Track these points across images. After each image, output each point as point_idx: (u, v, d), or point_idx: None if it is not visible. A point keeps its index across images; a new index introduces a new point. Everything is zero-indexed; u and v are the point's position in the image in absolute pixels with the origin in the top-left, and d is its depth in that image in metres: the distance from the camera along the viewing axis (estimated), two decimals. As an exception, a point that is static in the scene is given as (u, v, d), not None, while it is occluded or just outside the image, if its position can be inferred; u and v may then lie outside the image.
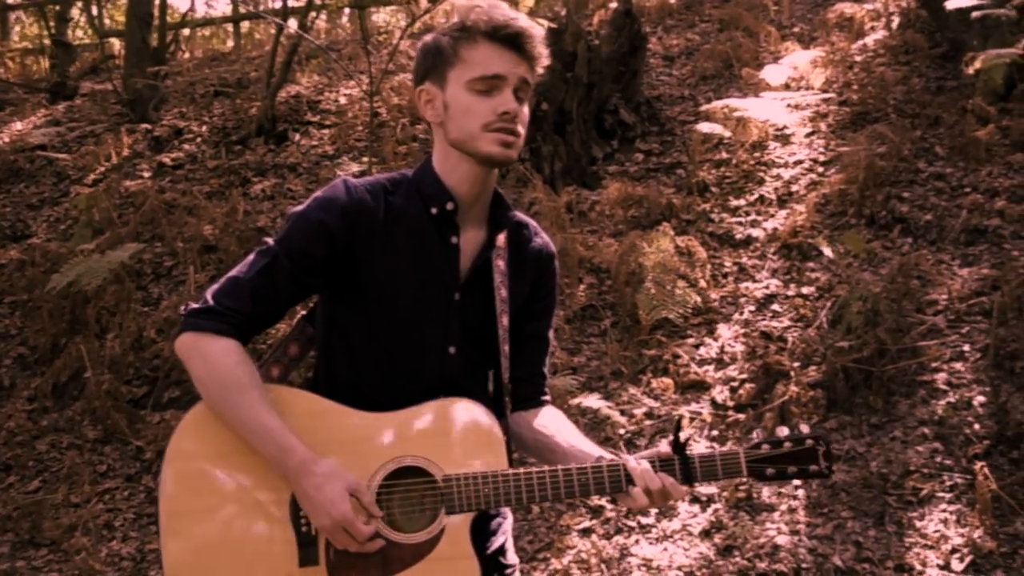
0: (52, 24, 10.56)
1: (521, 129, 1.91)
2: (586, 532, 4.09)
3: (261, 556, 1.84)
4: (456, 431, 1.90)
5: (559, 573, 3.89)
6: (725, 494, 4.11)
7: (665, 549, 3.94)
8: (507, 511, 2.11)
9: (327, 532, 1.82)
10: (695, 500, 4.13)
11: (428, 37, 1.96)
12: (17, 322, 6.17)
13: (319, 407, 1.91)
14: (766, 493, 4.09)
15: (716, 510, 4.06)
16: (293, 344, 2.06)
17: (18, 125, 8.99)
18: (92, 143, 8.20)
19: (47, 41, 10.73)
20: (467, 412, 1.92)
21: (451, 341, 1.98)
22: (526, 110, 1.93)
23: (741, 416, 4.47)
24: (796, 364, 4.59)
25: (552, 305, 2.15)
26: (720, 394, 4.59)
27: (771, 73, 6.59)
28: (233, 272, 1.91)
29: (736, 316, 5.05)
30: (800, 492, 4.07)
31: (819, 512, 3.97)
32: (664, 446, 1.94)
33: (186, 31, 11.47)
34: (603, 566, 3.90)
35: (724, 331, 4.97)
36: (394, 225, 1.92)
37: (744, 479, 2.02)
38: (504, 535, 2.08)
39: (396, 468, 1.87)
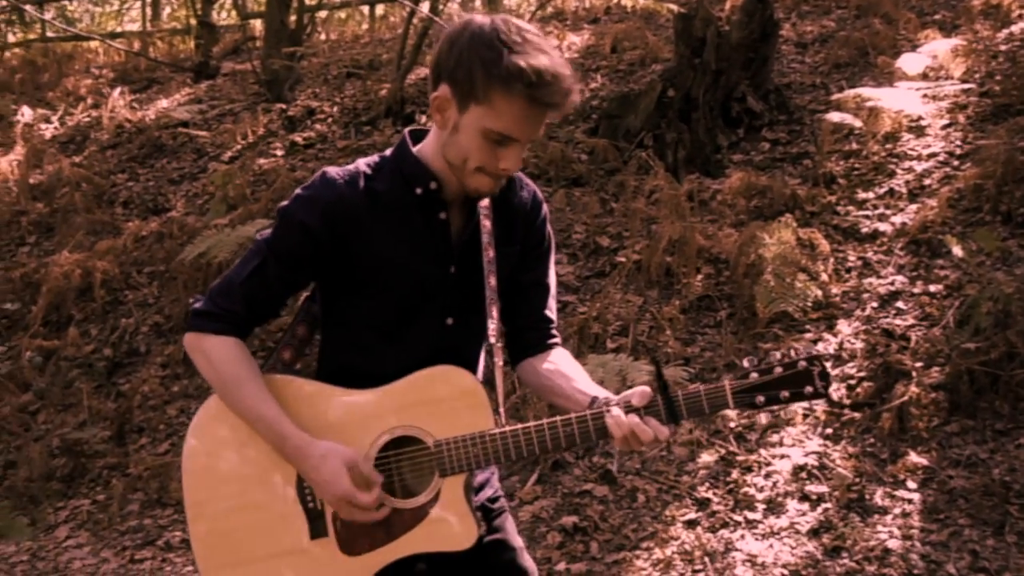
0: (199, 6, 10.99)
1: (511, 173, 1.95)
2: (691, 524, 4.07)
3: (275, 533, 2.00)
4: (442, 397, 1.98)
5: (662, 563, 3.88)
6: (836, 494, 4.02)
7: (771, 546, 3.89)
8: (492, 467, 2.20)
9: (335, 507, 1.95)
10: (804, 498, 4.06)
11: (463, 41, 1.86)
12: (155, 291, 6.49)
13: (310, 390, 2.02)
14: (879, 495, 3.98)
15: (826, 509, 3.98)
16: (301, 325, 2.15)
17: (163, 102, 9.42)
18: (230, 121, 8.53)
19: (193, 22, 11.18)
20: (451, 377, 2.00)
21: (448, 313, 2.04)
22: (525, 150, 1.94)
23: (857, 415, 4.35)
24: (918, 364, 4.44)
25: (547, 251, 2.17)
26: (836, 392, 4.47)
27: (908, 62, 6.35)
28: (230, 270, 2.02)
29: (858, 312, 4.91)
30: (916, 496, 3.95)
31: (935, 518, 3.85)
32: (643, 389, 1.95)
33: (323, 13, 11.75)
34: (707, 559, 3.87)
35: (844, 327, 4.84)
36: (379, 210, 1.96)
37: (731, 410, 1.99)
38: (492, 487, 2.19)
39: (390, 439, 1.98)
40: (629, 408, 1.92)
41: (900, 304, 4.86)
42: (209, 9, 11.10)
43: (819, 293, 4.99)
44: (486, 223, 2.02)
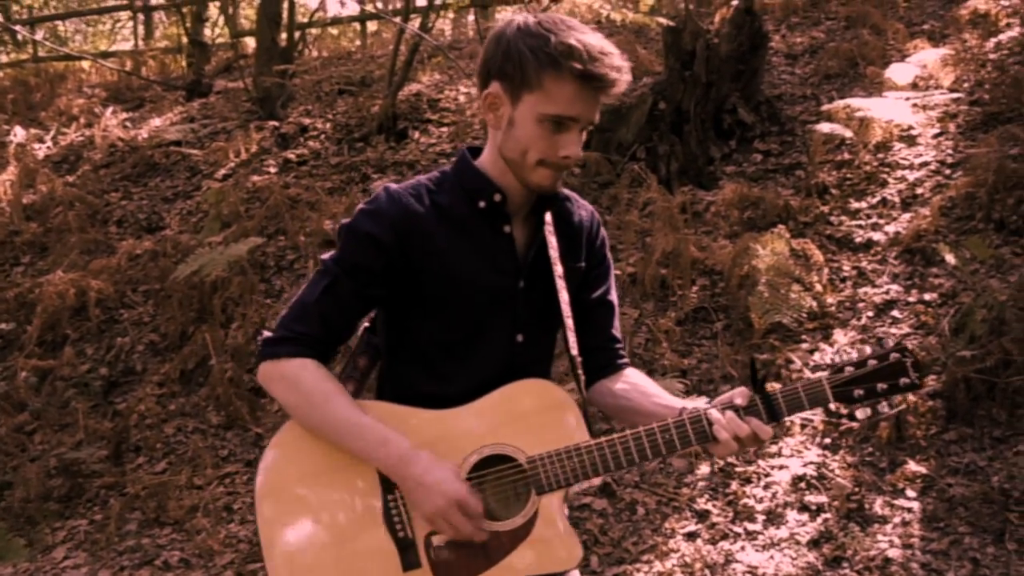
0: (189, 24, 11.01)
1: (572, 164, 1.92)
2: (691, 536, 4.07)
3: (364, 568, 1.87)
4: (530, 411, 1.91)
5: None
6: (836, 503, 4.02)
7: (771, 557, 3.89)
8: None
9: (439, 515, 1.83)
10: (804, 508, 4.06)
11: (510, 35, 1.86)
12: (149, 310, 6.48)
13: (394, 412, 1.93)
14: (879, 504, 3.99)
15: (826, 519, 3.98)
16: (362, 357, 2.09)
17: (156, 121, 9.42)
18: (223, 139, 8.54)
19: (185, 40, 11.21)
20: (537, 390, 1.94)
21: (519, 329, 1.98)
22: (583, 136, 1.91)
23: (855, 424, 4.36)
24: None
25: (608, 269, 2.14)
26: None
27: (897, 72, 6.39)
28: (299, 296, 1.95)
29: (853, 322, 4.93)
30: (915, 505, 3.96)
31: (934, 526, 3.85)
32: (741, 390, 1.92)
33: (315, 30, 11.79)
34: (707, 571, 3.87)
35: (840, 337, 4.86)
36: (446, 224, 1.92)
37: (832, 405, 1.93)
38: None
39: (479, 459, 1.89)
40: (727, 408, 1.89)
41: (895, 313, 4.88)
42: (200, 28, 11.12)
43: (814, 303, 5.01)
44: (552, 239, 1.99)
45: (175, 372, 5.87)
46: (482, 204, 1.94)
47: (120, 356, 6.16)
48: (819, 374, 1.93)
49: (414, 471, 1.83)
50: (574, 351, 2.00)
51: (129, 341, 6.24)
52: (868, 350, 1.92)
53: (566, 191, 2.09)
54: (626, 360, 2.15)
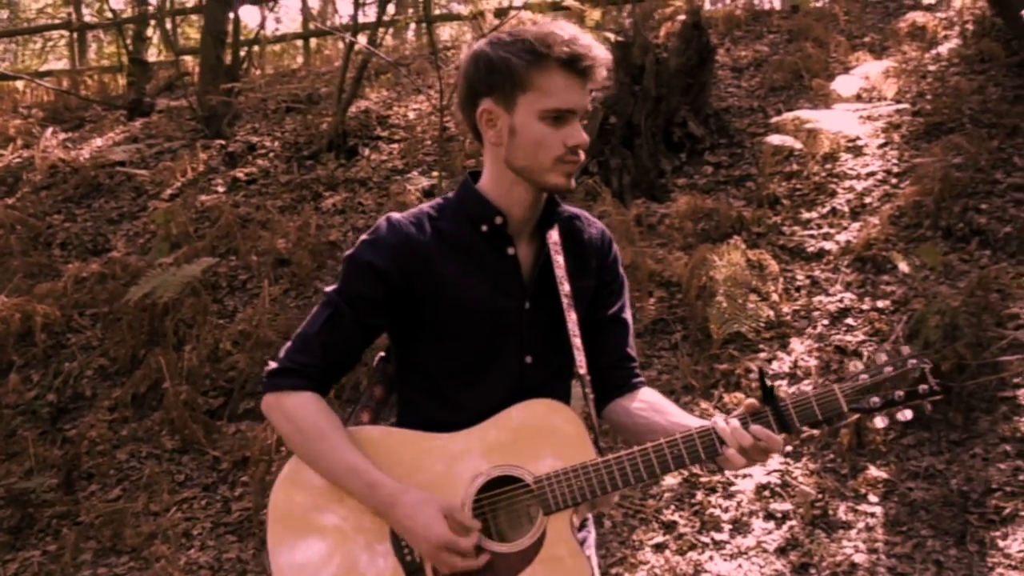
0: (129, 42, 10.84)
1: (583, 155, 1.92)
2: (659, 547, 4.08)
3: None
4: (536, 431, 1.90)
5: (632, 588, 3.89)
6: (800, 511, 4.06)
7: (739, 566, 3.91)
8: (590, 526, 2.10)
9: (431, 558, 1.84)
10: (769, 516, 4.10)
11: (486, 49, 1.89)
12: (98, 334, 6.33)
13: (399, 438, 1.95)
14: (842, 510, 4.04)
15: (791, 527, 4.02)
16: (377, 386, 2.09)
17: (98, 141, 9.25)
18: (169, 159, 8.41)
19: (124, 59, 11.02)
20: (543, 410, 1.92)
21: (527, 351, 1.98)
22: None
23: (816, 432, 4.41)
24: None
25: (621, 287, 2.12)
26: (794, 409, 4.53)
27: (842, 84, 6.51)
28: (301, 328, 1.96)
29: (809, 330, 5.00)
30: (878, 509, 4.02)
31: (898, 530, 3.91)
32: (752, 401, 1.88)
33: (256, 48, 11.67)
34: (676, 582, 3.89)
35: (797, 345, 4.92)
36: (448, 250, 1.93)
37: (847, 416, 1.87)
38: (589, 548, 2.07)
39: (486, 481, 1.88)
40: (731, 419, 1.86)
41: (850, 321, 4.96)
42: (140, 46, 10.96)
43: (771, 313, 5.07)
44: (558, 258, 1.98)
45: (126, 396, 5.74)
46: (484, 228, 1.94)
47: (68, 381, 6.01)
48: (831, 383, 1.90)
49: (399, 515, 1.85)
50: (582, 370, 1.98)
51: (77, 366, 6.10)
52: (884, 357, 1.86)
53: (575, 209, 2.09)
54: (642, 379, 2.13)
